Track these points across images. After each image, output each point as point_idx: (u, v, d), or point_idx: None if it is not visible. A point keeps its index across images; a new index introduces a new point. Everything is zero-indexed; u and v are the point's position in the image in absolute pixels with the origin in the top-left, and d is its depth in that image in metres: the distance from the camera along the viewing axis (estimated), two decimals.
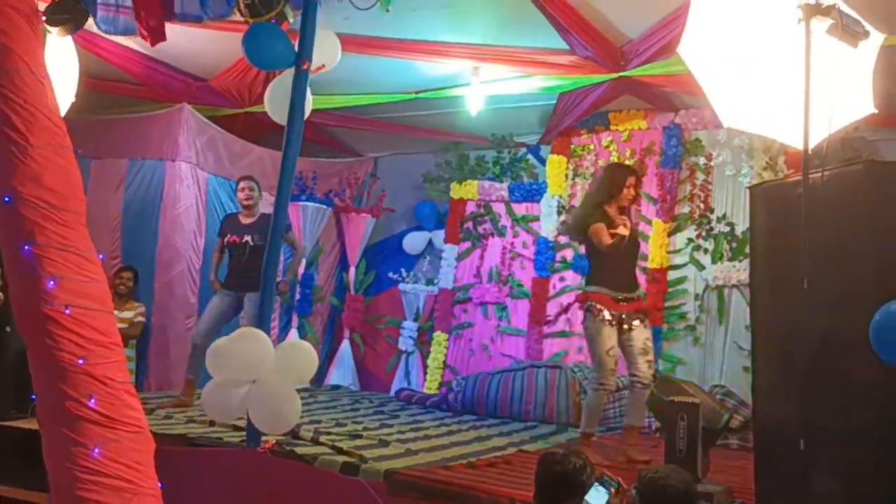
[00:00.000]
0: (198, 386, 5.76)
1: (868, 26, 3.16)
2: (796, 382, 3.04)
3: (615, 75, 6.38)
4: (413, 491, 3.97)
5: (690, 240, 6.90)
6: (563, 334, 7.39)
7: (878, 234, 3.13)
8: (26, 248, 3.11)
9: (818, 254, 2.93)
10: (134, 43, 6.36)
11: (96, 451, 3.00)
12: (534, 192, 7.85)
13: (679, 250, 6.93)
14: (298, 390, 4.39)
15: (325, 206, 8.44)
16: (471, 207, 8.18)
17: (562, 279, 7.53)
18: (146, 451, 3.18)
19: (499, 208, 8.06)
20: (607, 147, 7.43)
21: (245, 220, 6.19)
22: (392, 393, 7.92)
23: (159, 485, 3.16)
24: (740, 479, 4.03)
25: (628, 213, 5.10)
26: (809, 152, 2.99)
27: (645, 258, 6.63)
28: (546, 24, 5.76)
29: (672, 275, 6.91)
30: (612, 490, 2.98)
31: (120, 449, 3.06)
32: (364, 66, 6.56)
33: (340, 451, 4.51)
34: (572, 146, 7.66)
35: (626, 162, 7.11)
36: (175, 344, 7.26)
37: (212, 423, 5.08)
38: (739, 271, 6.47)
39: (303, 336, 8.00)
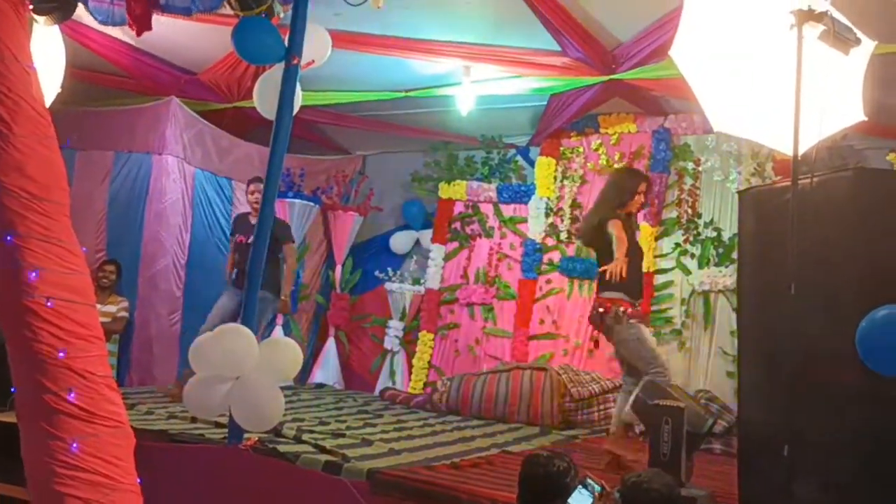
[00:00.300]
0: None
1: (859, 34, 3.16)
2: (781, 388, 3.04)
3: (606, 78, 6.39)
4: (395, 491, 3.95)
5: (677, 244, 6.92)
6: (549, 336, 7.39)
7: (865, 241, 3.14)
8: (7, 238, 3.06)
9: (806, 260, 2.94)
10: (122, 34, 6.31)
11: (75, 445, 2.95)
12: (522, 194, 7.86)
13: (666, 255, 6.96)
14: (282, 388, 4.35)
15: (312, 204, 8.41)
16: (459, 208, 8.18)
17: (548, 281, 7.53)
18: (126, 446, 3.13)
19: (487, 209, 8.05)
20: (596, 150, 7.44)
21: (254, 220, 6.13)
22: (376, 392, 7.89)
23: (139, 481, 3.12)
24: (724, 485, 4.04)
25: (635, 218, 5.10)
26: (798, 158, 2.99)
27: None
28: (538, 24, 5.76)
29: (658, 279, 6.93)
30: (596, 494, 2.96)
31: (99, 444, 3.02)
32: (354, 63, 6.54)
33: (323, 450, 4.48)
34: (561, 148, 7.67)
35: (615, 166, 7.14)
36: (158, 339, 7.21)
37: (193, 420, 5.04)
38: (726, 276, 6.51)
39: (287, 333, 7.96)
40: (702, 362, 6.60)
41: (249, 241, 6.02)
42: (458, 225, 8.15)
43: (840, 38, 3.03)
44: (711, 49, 3.31)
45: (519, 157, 8.17)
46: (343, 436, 5.04)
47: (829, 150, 5.30)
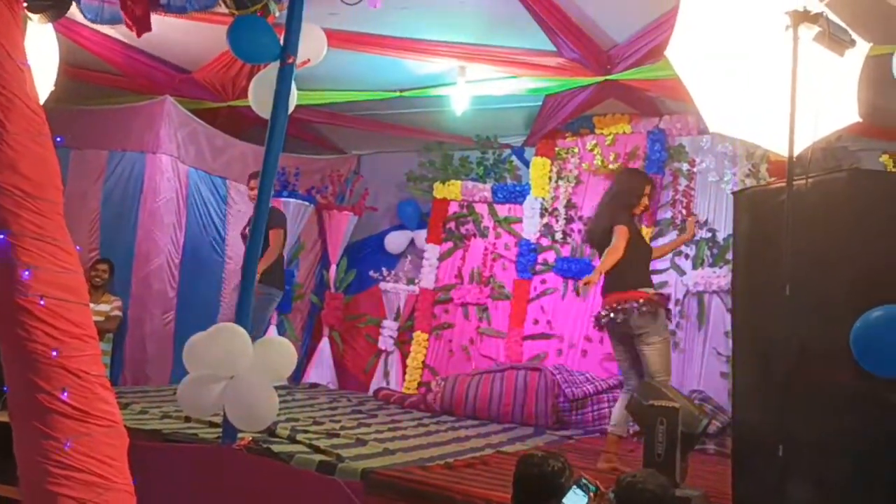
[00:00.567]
0: None
1: (854, 35, 3.17)
2: (776, 389, 3.05)
3: (601, 78, 6.39)
4: (389, 491, 3.95)
5: None
6: (543, 336, 7.39)
7: (860, 242, 3.15)
8: (0, 236, 3.05)
9: (800, 261, 2.94)
10: (116, 32, 6.29)
11: (68, 444, 2.94)
12: (517, 194, 7.86)
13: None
14: (276, 387, 4.34)
15: (307, 203, 8.40)
16: (453, 208, 8.17)
17: (543, 281, 7.53)
18: (119, 445, 3.12)
19: (481, 209, 8.05)
20: (591, 150, 7.44)
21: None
22: (370, 392, 7.88)
23: (132, 480, 3.11)
24: (718, 485, 4.04)
25: (639, 220, 5.11)
26: (793, 159, 2.99)
27: None
28: (534, 25, 5.76)
29: (653, 279, 6.90)
30: (591, 494, 2.96)
31: (92, 443, 3.01)
32: (349, 63, 6.53)
33: (317, 450, 4.47)
34: (556, 149, 7.67)
35: (610, 166, 7.15)
36: (152, 338, 7.19)
37: (187, 419, 5.02)
38: (720, 277, 6.52)
39: (282, 333, 7.94)
40: (696, 363, 6.61)
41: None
42: (452, 225, 8.14)
43: (835, 40, 3.03)
44: (707, 49, 3.32)
45: (514, 158, 8.17)
46: (337, 436, 5.03)
47: (823, 151, 5.31)
